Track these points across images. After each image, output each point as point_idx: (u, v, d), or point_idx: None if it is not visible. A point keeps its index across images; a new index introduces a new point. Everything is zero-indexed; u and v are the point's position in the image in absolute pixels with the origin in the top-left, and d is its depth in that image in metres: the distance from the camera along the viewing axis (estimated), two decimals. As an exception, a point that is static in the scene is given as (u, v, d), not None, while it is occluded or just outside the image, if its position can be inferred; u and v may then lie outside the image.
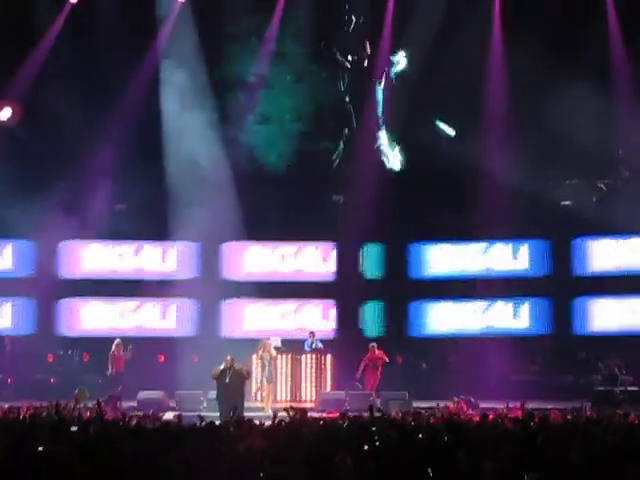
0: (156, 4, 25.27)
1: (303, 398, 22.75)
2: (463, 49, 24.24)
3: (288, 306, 25.85)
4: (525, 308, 25.24)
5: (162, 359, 23.77)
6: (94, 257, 25.69)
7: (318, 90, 26.28)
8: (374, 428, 11.96)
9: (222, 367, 19.56)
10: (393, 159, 26.01)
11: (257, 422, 12.51)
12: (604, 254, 24.93)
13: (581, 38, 24.06)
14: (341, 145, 26.12)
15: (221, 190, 24.89)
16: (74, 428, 9.59)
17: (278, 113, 26.19)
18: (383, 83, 26.01)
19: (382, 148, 26.13)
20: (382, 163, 25.87)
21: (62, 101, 23.63)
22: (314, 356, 23.26)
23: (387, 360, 22.47)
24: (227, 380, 19.19)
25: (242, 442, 9.83)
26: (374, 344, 22.75)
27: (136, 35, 24.75)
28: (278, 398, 22.41)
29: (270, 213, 24.96)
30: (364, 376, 22.42)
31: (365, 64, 26.21)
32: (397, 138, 25.89)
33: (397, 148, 25.87)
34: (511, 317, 25.35)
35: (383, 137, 26.18)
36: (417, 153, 25.32)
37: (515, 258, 25.51)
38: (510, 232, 25.29)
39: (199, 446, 9.79)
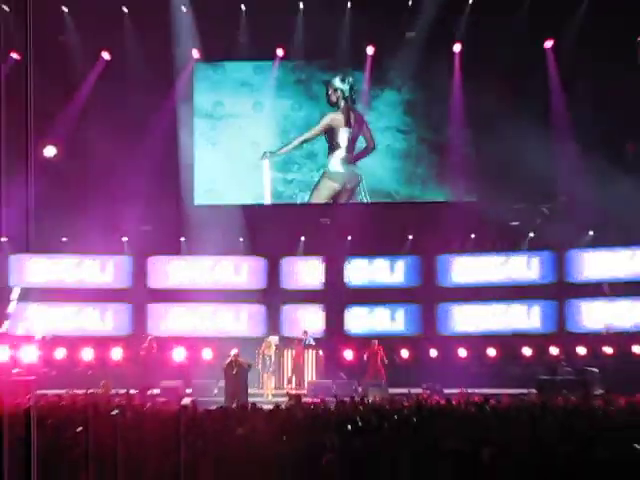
0: (175, 58, 25.40)
1: (297, 386, 22.59)
2: (429, 91, 24.95)
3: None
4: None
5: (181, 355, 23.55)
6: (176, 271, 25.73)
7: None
8: (357, 411, 12.03)
9: (228, 360, 19.62)
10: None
11: (260, 407, 12.60)
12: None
13: (528, 87, 24.25)
14: None
15: (230, 214, 25.01)
16: (114, 412, 9.60)
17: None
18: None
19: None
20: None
21: (98, 138, 23.75)
22: (307, 351, 23.31)
23: (384, 355, 22.36)
24: (234, 371, 19.25)
25: (248, 422, 9.91)
26: (375, 341, 22.65)
27: (159, 83, 24.85)
28: (276, 386, 22.41)
29: (273, 232, 24.88)
30: (368, 367, 22.24)
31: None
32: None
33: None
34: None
35: None
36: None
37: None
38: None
39: (213, 426, 9.85)
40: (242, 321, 25.37)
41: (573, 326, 24.50)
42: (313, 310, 24.95)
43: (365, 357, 22.38)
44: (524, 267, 25.19)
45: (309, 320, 24.80)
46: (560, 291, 24.79)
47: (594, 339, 23.43)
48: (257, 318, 25.20)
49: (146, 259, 25.35)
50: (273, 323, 24.85)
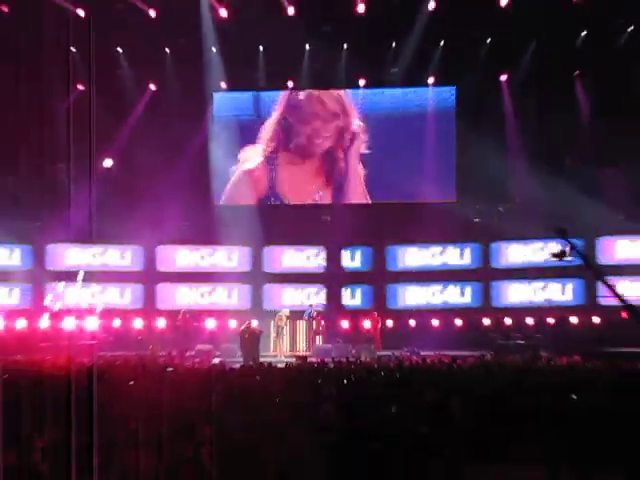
0: (206, 87, 25.34)
1: (303, 349, 22.70)
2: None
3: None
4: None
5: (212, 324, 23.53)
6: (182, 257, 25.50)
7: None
8: (351, 369, 12.09)
9: (243, 327, 19.66)
10: None
11: (275, 365, 12.65)
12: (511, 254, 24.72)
13: (489, 111, 24.33)
14: None
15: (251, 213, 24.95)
16: (170, 369, 9.68)
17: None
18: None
19: None
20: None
21: (145, 152, 23.83)
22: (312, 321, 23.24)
23: (380, 324, 22.42)
24: (246, 336, 19.27)
25: (264, 377, 9.97)
26: (375, 313, 22.61)
27: (193, 108, 24.96)
28: (287, 350, 22.42)
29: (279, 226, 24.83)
30: (375, 335, 22.20)
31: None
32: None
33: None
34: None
35: None
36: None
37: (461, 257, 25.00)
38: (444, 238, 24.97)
39: (238, 379, 9.91)
40: (234, 297, 25.22)
41: (497, 302, 24.43)
42: (291, 289, 24.94)
43: (372, 327, 22.42)
44: (458, 256, 25.05)
45: (286, 297, 24.84)
46: (487, 274, 24.67)
47: (519, 311, 23.38)
48: (245, 295, 25.08)
49: (160, 247, 25.12)
50: (257, 299, 24.68)
